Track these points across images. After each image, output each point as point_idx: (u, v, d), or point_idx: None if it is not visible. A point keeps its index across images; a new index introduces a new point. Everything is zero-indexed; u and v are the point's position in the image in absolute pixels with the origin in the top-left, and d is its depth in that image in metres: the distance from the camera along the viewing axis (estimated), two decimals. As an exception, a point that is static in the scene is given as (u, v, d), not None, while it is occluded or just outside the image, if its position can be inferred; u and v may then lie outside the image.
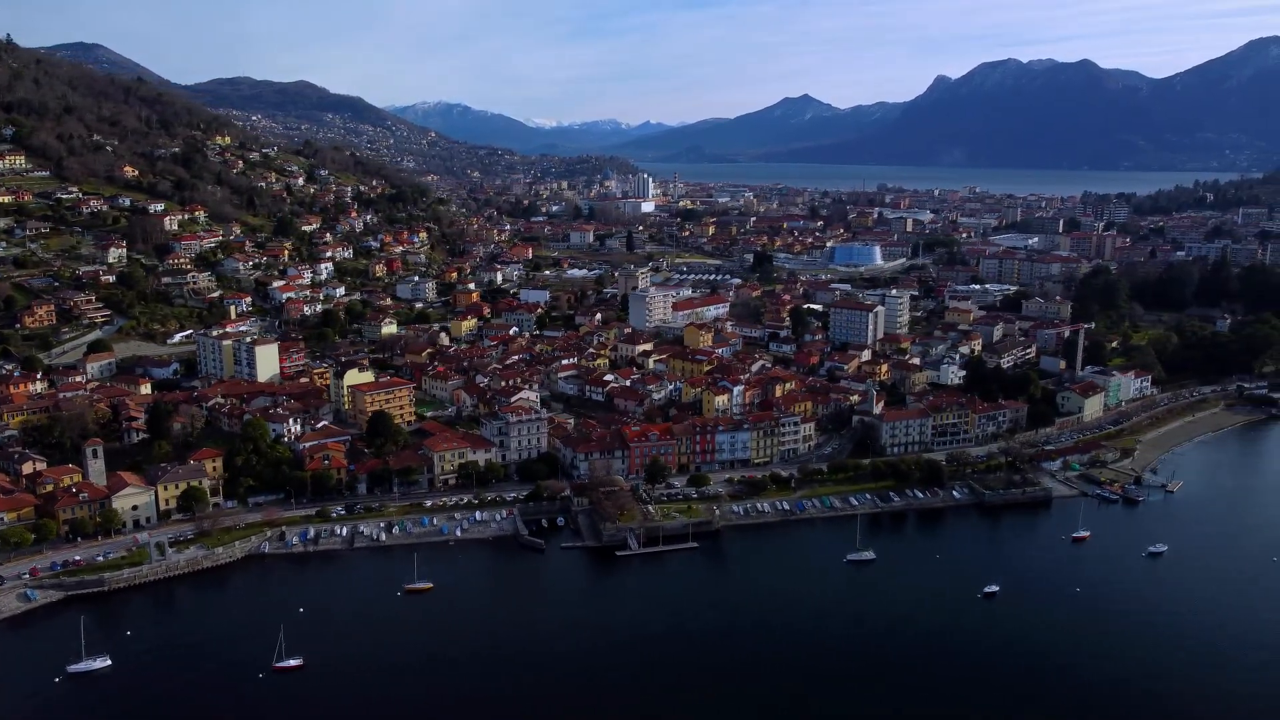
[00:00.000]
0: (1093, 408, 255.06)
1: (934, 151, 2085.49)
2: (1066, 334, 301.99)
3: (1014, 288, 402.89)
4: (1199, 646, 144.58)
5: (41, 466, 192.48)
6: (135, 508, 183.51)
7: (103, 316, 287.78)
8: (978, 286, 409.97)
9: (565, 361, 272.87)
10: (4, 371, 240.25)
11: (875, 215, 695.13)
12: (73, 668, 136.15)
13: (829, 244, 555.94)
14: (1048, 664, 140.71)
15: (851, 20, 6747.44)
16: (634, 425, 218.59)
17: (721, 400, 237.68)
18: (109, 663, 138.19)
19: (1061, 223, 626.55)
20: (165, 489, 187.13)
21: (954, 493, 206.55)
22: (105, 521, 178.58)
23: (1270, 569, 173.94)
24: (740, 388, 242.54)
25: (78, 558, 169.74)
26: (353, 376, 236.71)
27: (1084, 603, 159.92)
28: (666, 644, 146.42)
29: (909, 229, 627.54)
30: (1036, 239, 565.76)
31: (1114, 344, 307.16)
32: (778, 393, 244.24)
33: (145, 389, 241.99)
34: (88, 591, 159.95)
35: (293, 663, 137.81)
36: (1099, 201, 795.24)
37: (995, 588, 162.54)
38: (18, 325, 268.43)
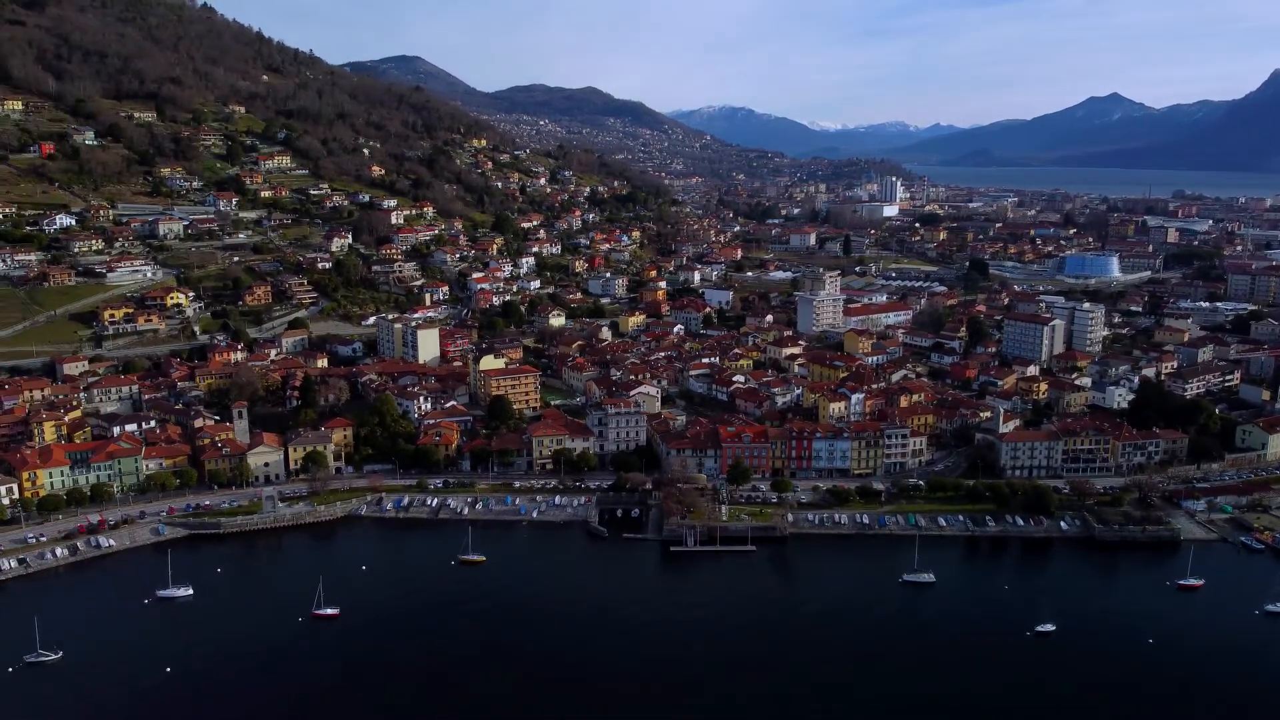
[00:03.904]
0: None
1: (1265, 155, 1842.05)
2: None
3: (1252, 307, 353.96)
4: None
5: (210, 423, 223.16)
6: (267, 464, 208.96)
7: (310, 298, 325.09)
8: (1207, 305, 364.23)
9: (702, 360, 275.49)
10: (215, 341, 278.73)
11: (1138, 224, 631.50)
12: (161, 593, 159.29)
13: (1068, 253, 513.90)
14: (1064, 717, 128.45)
15: (1170, 12, 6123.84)
16: (731, 426, 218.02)
17: (838, 407, 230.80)
18: (190, 592, 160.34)
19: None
20: (295, 450, 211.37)
21: (1061, 523, 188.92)
22: (239, 474, 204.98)
23: None
24: (860, 395, 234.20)
25: (208, 502, 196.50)
26: (487, 362, 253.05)
27: (1149, 656, 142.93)
28: (663, 636, 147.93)
29: (1170, 239, 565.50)
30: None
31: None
32: (904, 403, 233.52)
33: (322, 363, 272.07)
34: (206, 532, 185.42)
35: (330, 611, 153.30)
36: None
37: (1052, 626, 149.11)
38: (240, 303, 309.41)
